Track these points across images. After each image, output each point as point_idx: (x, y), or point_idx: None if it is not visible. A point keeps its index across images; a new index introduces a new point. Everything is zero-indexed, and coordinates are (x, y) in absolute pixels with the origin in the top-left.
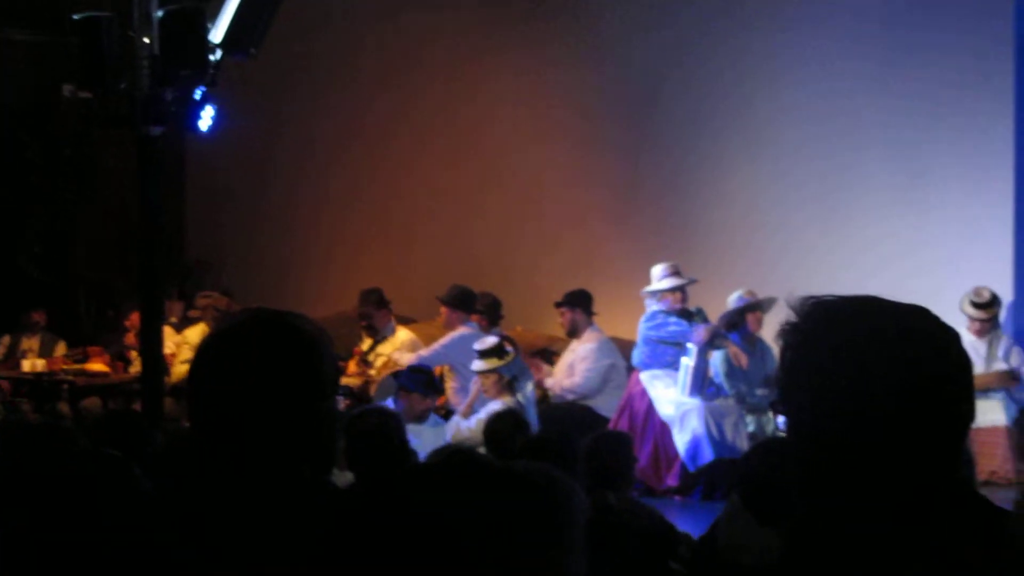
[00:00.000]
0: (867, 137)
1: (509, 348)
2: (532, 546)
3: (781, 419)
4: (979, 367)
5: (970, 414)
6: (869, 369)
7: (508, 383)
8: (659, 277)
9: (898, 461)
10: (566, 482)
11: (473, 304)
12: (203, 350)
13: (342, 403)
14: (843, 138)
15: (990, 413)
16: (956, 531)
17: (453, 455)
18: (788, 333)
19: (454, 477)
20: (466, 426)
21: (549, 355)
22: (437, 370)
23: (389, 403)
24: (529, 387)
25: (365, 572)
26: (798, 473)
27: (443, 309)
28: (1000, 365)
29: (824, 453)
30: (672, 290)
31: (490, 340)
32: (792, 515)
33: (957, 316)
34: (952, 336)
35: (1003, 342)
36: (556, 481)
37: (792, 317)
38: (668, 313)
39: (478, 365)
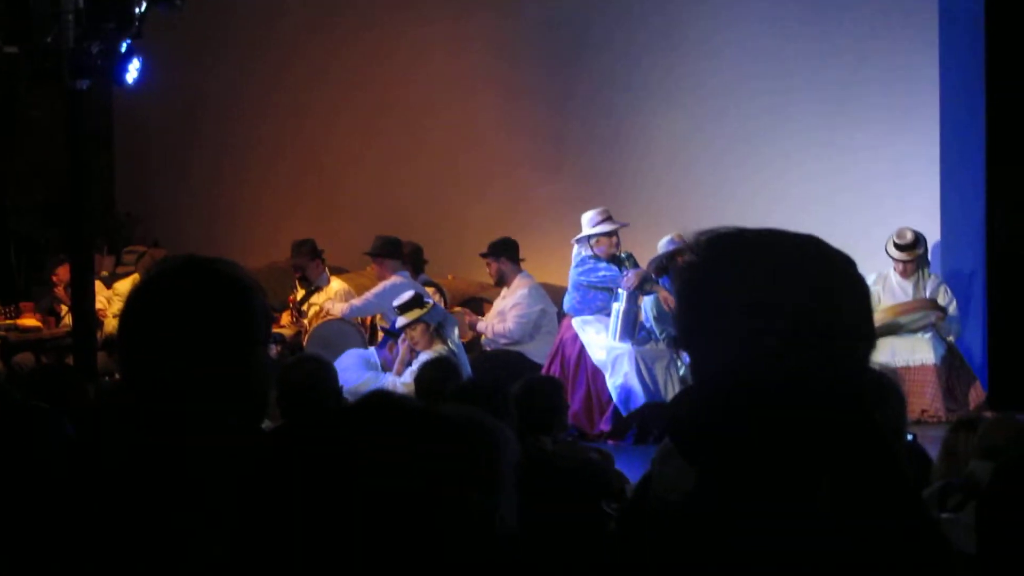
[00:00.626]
0: (793, 79)
1: (428, 297)
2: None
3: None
4: (907, 306)
5: (870, 339)
6: (762, 300)
7: (436, 331)
8: (591, 223)
9: (798, 394)
10: (493, 425)
11: (401, 252)
12: (133, 298)
13: (274, 351)
14: (769, 81)
15: (919, 352)
16: (857, 469)
17: (373, 396)
18: (684, 270)
19: (376, 418)
20: (401, 382)
21: (479, 303)
22: (369, 320)
23: (374, 351)
24: (456, 333)
25: (288, 514)
26: (700, 412)
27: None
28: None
29: (723, 391)
30: (604, 235)
31: (406, 294)
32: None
33: (885, 256)
34: (847, 263)
35: (930, 281)
36: (482, 424)
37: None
38: (598, 259)
39: (401, 320)
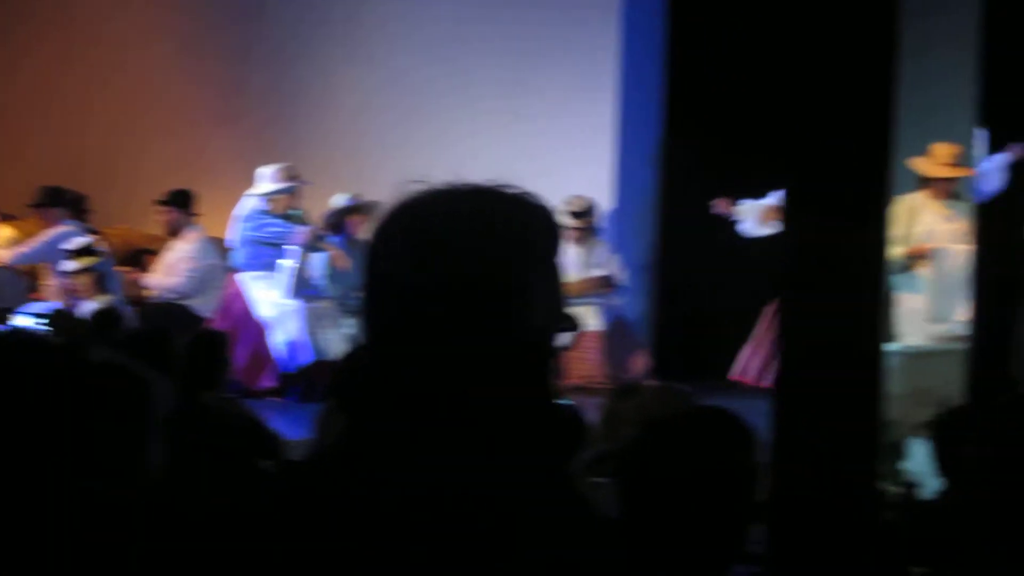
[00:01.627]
0: (474, 45)
1: (100, 246)
2: (103, 428)
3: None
4: (576, 273)
5: (551, 308)
6: (429, 267)
7: (100, 280)
8: (269, 179)
9: (462, 360)
10: (143, 373)
11: (64, 201)
12: None
13: None
14: (451, 45)
15: (587, 318)
16: (509, 435)
17: (15, 333)
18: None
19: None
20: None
21: (142, 255)
22: (28, 267)
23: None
24: (119, 287)
25: None
26: (364, 372)
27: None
28: (597, 271)
29: (387, 354)
30: (283, 192)
31: (80, 240)
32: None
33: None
34: (533, 213)
35: (600, 249)
36: (131, 371)
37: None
38: (269, 214)
39: (72, 265)
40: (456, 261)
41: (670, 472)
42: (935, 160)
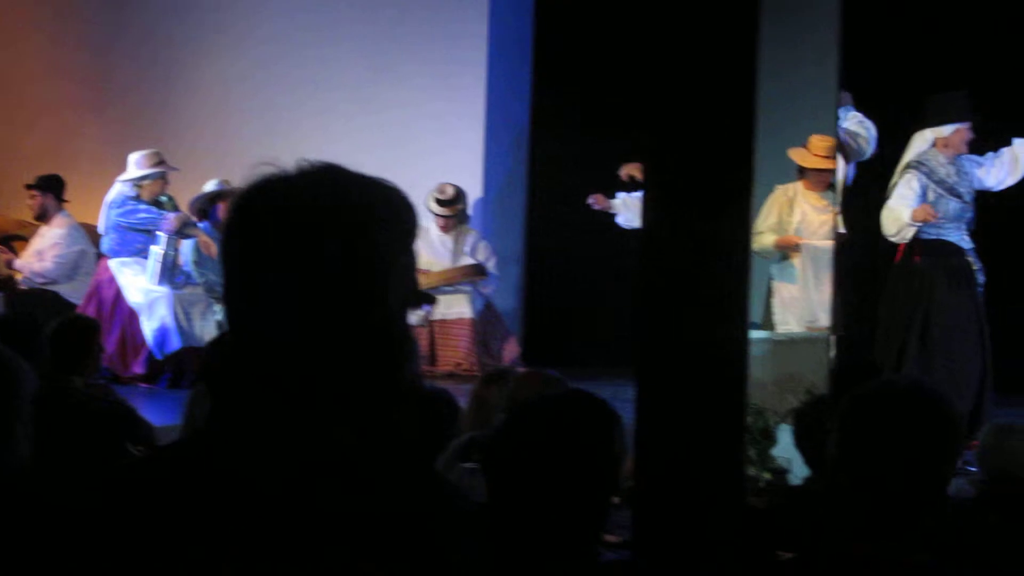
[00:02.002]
0: (343, 30)
1: None
2: None
3: None
4: (446, 261)
5: (408, 296)
6: (284, 258)
7: None
8: (138, 164)
9: (319, 352)
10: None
11: None
12: None
13: None
14: (320, 31)
15: (456, 306)
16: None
17: None
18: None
19: None
20: None
21: (12, 240)
22: None
23: None
24: None
25: None
26: (231, 359)
27: None
28: (466, 260)
29: (241, 340)
30: (150, 178)
31: None
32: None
33: (427, 212)
34: (385, 194)
35: (470, 237)
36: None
37: None
38: (139, 200)
39: None
40: (308, 241)
41: (534, 456)
42: (812, 151)
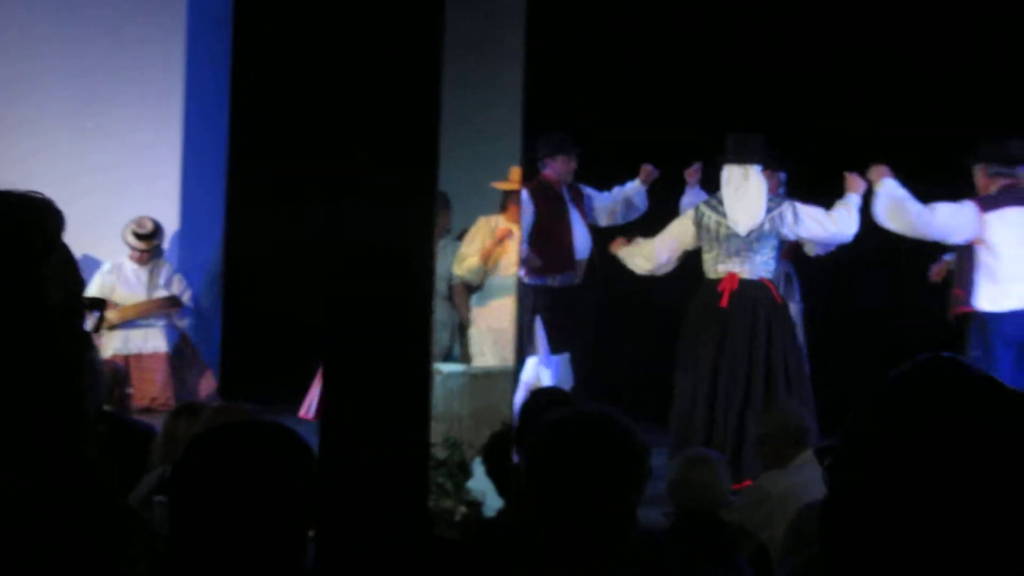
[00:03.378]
0: (45, 60)
1: None
2: None
3: None
4: (141, 294)
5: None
6: None
7: None
8: None
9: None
10: None
11: None
12: None
13: None
14: (23, 63)
15: (152, 340)
16: None
17: None
18: None
19: None
20: None
21: None
22: None
23: None
24: None
25: None
26: None
27: None
28: (161, 292)
29: None
30: None
31: None
32: None
33: (120, 243)
34: (37, 207)
35: (165, 270)
36: None
37: None
38: None
39: None
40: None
41: (209, 486)
42: (512, 183)
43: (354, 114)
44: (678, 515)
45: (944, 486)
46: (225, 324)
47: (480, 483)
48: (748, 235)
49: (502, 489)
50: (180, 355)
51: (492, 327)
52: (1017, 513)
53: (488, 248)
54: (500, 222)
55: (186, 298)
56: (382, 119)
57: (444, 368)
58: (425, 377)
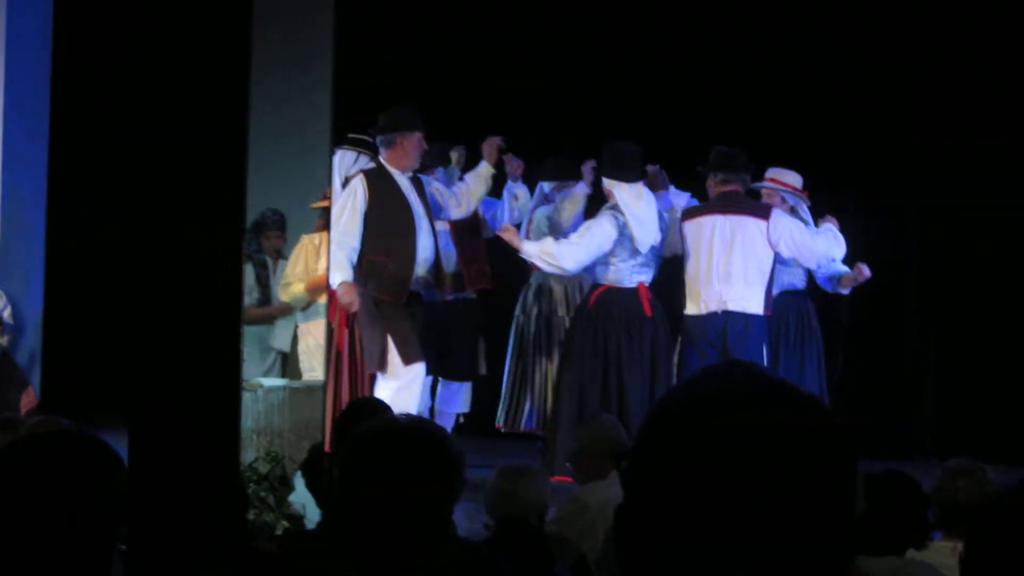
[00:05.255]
0: None
1: None
2: None
3: None
4: None
5: None
6: None
7: None
8: None
9: None
10: None
11: None
12: None
13: None
14: None
15: None
16: None
17: None
18: None
19: None
20: None
21: None
22: None
23: None
24: None
25: None
26: None
27: None
28: None
29: None
30: None
31: None
32: None
33: None
34: None
35: None
36: None
37: None
38: None
39: None
40: None
41: (12, 497)
42: (327, 202)
43: (164, 127)
44: (497, 525)
45: (725, 481)
46: (47, 337)
47: (301, 496)
48: None
49: (321, 502)
50: None
51: (321, 342)
52: (796, 506)
53: (314, 280)
54: (323, 239)
55: (6, 314)
56: (192, 134)
57: (265, 382)
58: (235, 387)
